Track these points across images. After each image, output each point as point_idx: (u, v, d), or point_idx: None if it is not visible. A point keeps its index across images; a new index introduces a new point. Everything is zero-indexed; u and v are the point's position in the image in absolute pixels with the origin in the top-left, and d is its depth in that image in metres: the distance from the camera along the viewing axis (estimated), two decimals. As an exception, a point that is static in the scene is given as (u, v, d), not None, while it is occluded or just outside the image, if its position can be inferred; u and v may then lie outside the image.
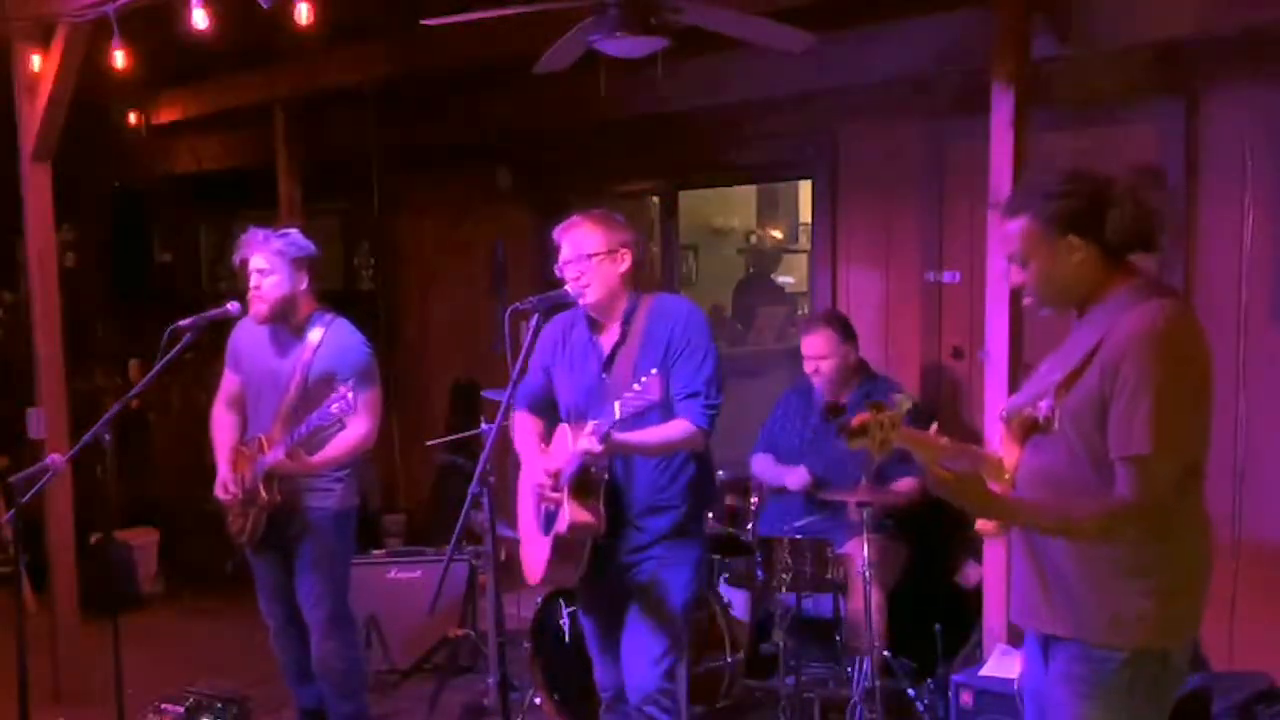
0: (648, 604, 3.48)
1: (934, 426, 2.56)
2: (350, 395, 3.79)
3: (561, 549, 3.44)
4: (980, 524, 2.76)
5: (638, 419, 3.24)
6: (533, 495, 3.57)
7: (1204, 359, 2.48)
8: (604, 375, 3.50)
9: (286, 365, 4.16)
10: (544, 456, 3.54)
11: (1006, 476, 2.61)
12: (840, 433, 2.45)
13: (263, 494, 4.08)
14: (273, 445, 4.04)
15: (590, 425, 3.25)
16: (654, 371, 3.09)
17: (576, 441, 3.30)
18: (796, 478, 4.74)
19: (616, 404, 3.12)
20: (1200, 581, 2.57)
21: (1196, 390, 2.46)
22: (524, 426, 3.68)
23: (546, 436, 3.64)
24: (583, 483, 3.39)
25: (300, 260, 4.14)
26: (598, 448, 3.20)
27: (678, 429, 3.39)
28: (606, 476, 3.41)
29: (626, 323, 3.49)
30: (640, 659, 3.48)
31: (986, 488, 2.50)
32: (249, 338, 4.31)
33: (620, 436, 3.30)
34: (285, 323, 4.17)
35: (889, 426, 2.40)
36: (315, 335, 4.15)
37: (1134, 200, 2.52)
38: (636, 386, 3.08)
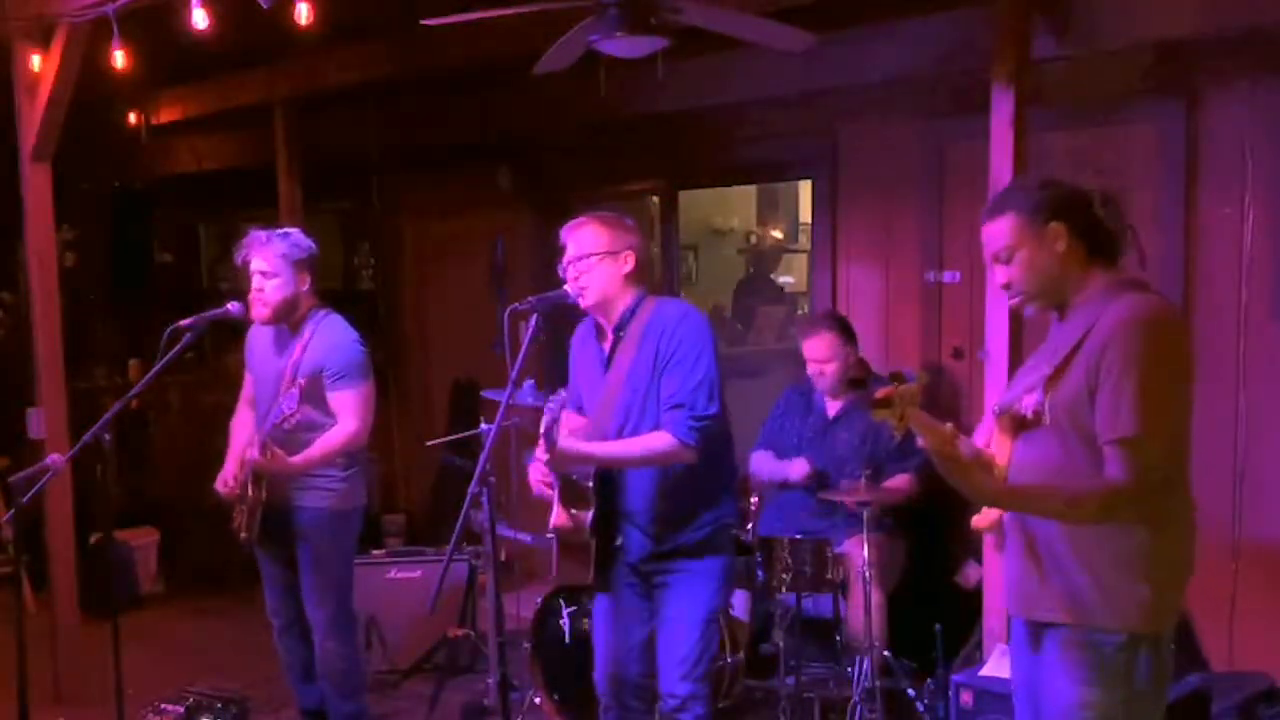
0: (674, 617, 3.47)
1: (949, 425, 2.58)
2: (296, 391, 3.81)
3: (568, 548, 3.46)
4: (976, 519, 2.78)
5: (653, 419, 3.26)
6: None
7: (1186, 347, 2.56)
8: (604, 377, 3.50)
9: (281, 364, 4.17)
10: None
11: (997, 473, 2.63)
12: (866, 405, 2.49)
13: (249, 491, 4.09)
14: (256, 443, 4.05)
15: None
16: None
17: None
18: (797, 469, 4.74)
19: (546, 409, 3.18)
20: (1187, 567, 2.62)
21: (1180, 376, 2.52)
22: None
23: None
24: (569, 486, 3.40)
25: (302, 261, 4.15)
26: (543, 454, 3.21)
27: (655, 442, 3.34)
28: (590, 483, 3.41)
29: (625, 324, 3.49)
30: (670, 668, 3.48)
31: (987, 472, 2.54)
32: (260, 338, 4.33)
33: (585, 447, 3.31)
34: (286, 323, 4.18)
35: (909, 401, 2.43)
36: (307, 332, 4.16)
37: (1107, 202, 2.63)
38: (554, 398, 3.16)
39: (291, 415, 3.86)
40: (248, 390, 4.44)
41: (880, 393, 2.44)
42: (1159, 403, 2.44)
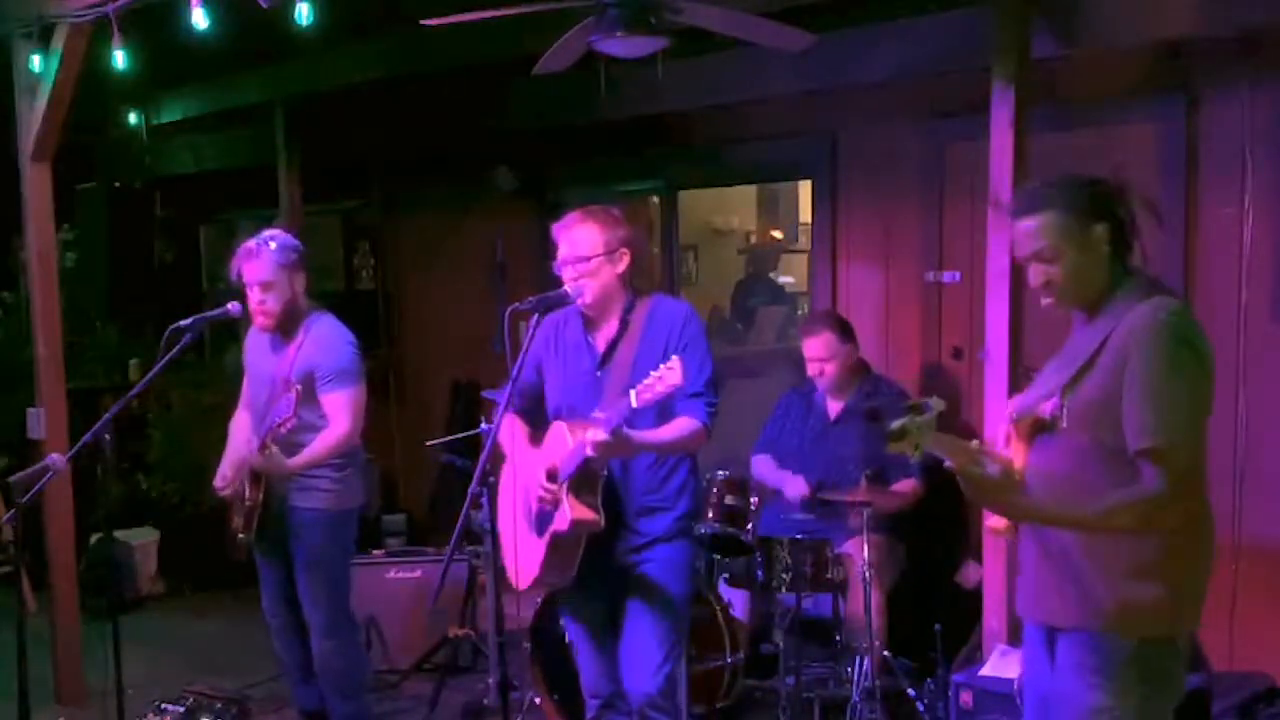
0: (646, 610, 3.47)
1: (975, 441, 2.57)
2: (293, 396, 3.83)
3: (557, 550, 3.42)
4: (990, 523, 2.77)
5: (654, 409, 3.23)
6: (521, 496, 3.55)
7: (1208, 353, 2.53)
8: (599, 372, 3.50)
9: (276, 365, 4.17)
10: (538, 455, 3.52)
11: (1015, 477, 2.62)
12: (884, 436, 2.48)
13: (247, 491, 4.09)
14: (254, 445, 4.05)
15: (600, 416, 3.21)
16: (675, 358, 3.05)
17: (583, 434, 3.25)
18: (794, 488, 4.73)
19: (632, 393, 3.08)
20: (1205, 572, 2.61)
21: (1202, 380, 2.50)
22: (512, 427, 3.66)
23: (535, 438, 3.62)
24: (583, 479, 3.37)
25: (295, 264, 4.16)
26: (605, 437, 3.16)
27: (686, 427, 3.38)
28: (605, 473, 3.40)
29: (624, 320, 3.48)
30: (641, 665, 3.47)
31: (1018, 491, 2.52)
32: (257, 340, 4.33)
33: (634, 435, 3.28)
34: (283, 327, 4.18)
35: (924, 430, 2.43)
36: (301, 335, 4.17)
37: (1130, 201, 2.59)
38: (655, 374, 3.04)
39: (288, 420, 3.86)
40: (245, 394, 4.44)
41: (895, 425, 2.43)
42: (1186, 410, 2.44)
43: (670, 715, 3.49)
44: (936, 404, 2.50)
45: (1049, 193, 2.60)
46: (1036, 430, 2.61)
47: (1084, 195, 2.57)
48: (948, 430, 2.62)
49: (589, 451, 3.22)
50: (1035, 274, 2.62)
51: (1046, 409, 2.58)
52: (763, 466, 4.97)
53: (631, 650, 3.50)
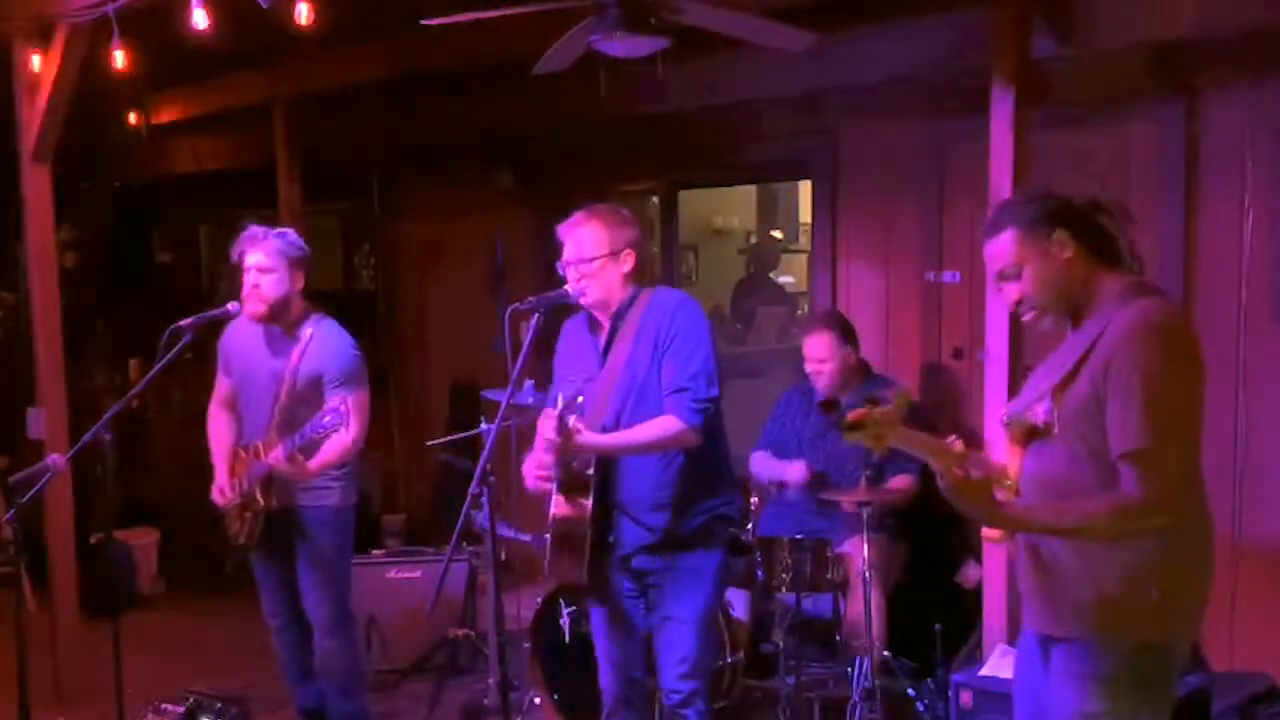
0: (670, 618, 3.47)
1: (953, 437, 2.56)
2: (343, 407, 3.80)
3: (561, 543, 3.44)
4: (986, 531, 2.76)
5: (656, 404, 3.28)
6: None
7: (1197, 354, 2.49)
8: (601, 370, 3.50)
9: (278, 367, 4.16)
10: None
11: (1009, 483, 2.60)
12: (837, 427, 2.45)
13: (259, 498, 4.08)
14: (270, 449, 4.03)
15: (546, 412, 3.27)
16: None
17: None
18: (795, 471, 4.74)
19: (560, 395, 3.16)
20: (1202, 577, 2.58)
21: (1191, 384, 2.47)
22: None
23: None
24: (568, 477, 3.39)
25: (298, 260, 4.15)
26: (553, 435, 3.20)
27: (662, 427, 3.35)
28: (591, 471, 3.40)
29: (621, 317, 3.48)
30: (669, 667, 3.50)
31: (994, 496, 2.50)
32: (240, 339, 4.31)
33: (596, 438, 3.30)
34: (278, 323, 4.17)
35: (884, 422, 2.39)
36: (305, 337, 4.16)
37: (1105, 207, 2.61)
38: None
39: (337, 426, 3.84)
40: (221, 391, 4.41)
41: (852, 415, 2.39)
42: (1169, 412, 2.40)
43: (703, 715, 3.51)
44: (901, 395, 2.45)
45: (1005, 212, 2.66)
46: (1029, 436, 2.59)
47: (1036, 207, 2.60)
48: (947, 431, 2.62)
49: (549, 449, 3.28)
50: (1008, 293, 2.66)
51: (1038, 414, 2.56)
52: (761, 461, 4.97)
53: (659, 654, 3.53)
